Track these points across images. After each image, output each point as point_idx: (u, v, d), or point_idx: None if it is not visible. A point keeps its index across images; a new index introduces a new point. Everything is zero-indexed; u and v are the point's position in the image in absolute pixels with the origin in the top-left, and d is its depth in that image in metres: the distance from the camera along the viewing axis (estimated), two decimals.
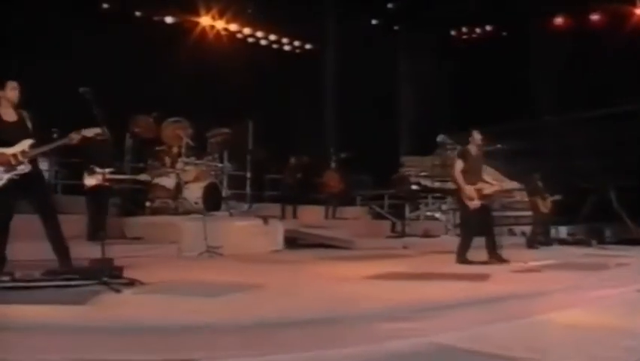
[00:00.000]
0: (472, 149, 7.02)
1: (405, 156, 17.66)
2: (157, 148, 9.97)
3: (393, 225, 12.40)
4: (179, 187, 9.57)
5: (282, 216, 12.53)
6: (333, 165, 13.96)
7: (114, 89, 10.36)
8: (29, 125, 4.79)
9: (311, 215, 13.24)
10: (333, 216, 13.54)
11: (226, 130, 10.35)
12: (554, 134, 15.54)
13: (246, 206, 10.50)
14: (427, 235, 13.00)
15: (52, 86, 8.19)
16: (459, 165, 6.87)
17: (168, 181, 9.66)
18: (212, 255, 8.10)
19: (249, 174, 12.64)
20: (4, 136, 4.63)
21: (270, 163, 12.75)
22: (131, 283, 4.62)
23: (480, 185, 7.00)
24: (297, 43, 16.08)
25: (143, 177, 9.45)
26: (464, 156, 6.94)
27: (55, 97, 7.71)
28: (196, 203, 9.43)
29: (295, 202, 12.90)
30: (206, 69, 12.34)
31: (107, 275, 4.46)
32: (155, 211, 9.54)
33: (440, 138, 17.84)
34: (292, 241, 10.73)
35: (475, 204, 6.89)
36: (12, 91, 4.79)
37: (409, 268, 6.60)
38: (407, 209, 12.47)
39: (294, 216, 12.83)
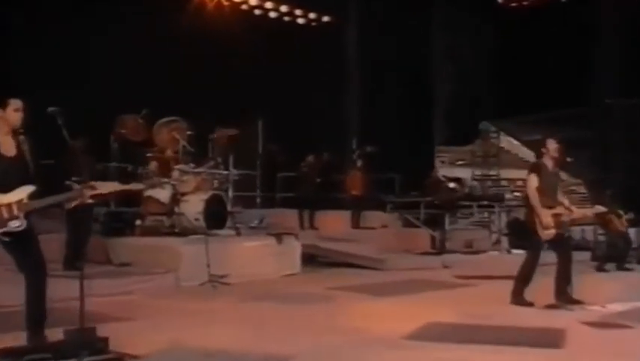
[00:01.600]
0: (548, 162, 6.56)
1: (440, 146, 17.42)
2: (148, 153, 9.61)
3: (433, 239, 12.01)
4: (175, 200, 9.21)
5: (300, 226, 12.34)
6: (357, 162, 13.64)
7: (93, 82, 10.23)
8: (28, 159, 4.25)
9: (332, 223, 13.06)
10: (358, 225, 13.30)
11: (231, 130, 9.97)
12: (621, 122, 14.95)
13: (256, 220, 10.13)
14: (469, 247, 12.73)
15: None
16: (533, 181, 6.42)
17: (162, 193, 9.30)
18: (216, 286, 7.81)
19: (258, 173, 12.31)
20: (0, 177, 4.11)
21: (283, 159, 12.42)
22: (119, 359, 4.21)
23: (558, 209, 6.56)
24: (312, 15, 15.55)
25: (134, 186, 9.06)
26: (539, 170, 6.50)
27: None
28: (196, 220, 9.09)
29: (314, 208, 12.64)
30: (204, 55, 11.96)
31: (88, 352, 4.04)
32: (146, 231, 9.22)
33: (483, 125, 17.53)
34: (310, 259, 10.54)
35: (549, 234, 6.47)
36: (15, 113, 4.20)
37: (458, 313, 6.21)
38: (447, 220, 11.94)
39: (312, 225, 12.61)
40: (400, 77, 15.47)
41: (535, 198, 6.41)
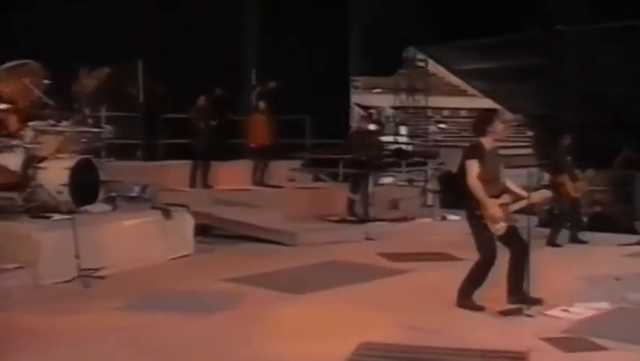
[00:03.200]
0: (487, 141, 6.32)
1: (358, 77, 17.17)
2: None
3: (351, 204, 11.74)
4: (29, 168, 8.40)
5: (191, 182, 12.14)
6: (259, 104, 13.27)
7: None
8: None
9: (230, 178, 12.92)
10: (261, 181, 13.09)
11: (103, 70, 9.16)
12: (574, 50, 15.12)
13: (137, 188, 9.46)
14: (395, 208, 12.85)
15: None
16: (474, 168, 6.19)
17: (11, 159, 8.37)
18: (87, 283, 7.29)
19: (139, 120, 11.69)
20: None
21: (168, 102, 12.06)
22: None
23: (505, 198, 6.33)
24: None
25: None
26: (479, 153, 6.26)
27: None
28: (59, 193, 8.34)
29: (207, 160, 12.32)
30: None
31: None
32: None
33: (408, 51, 17.38)
34: (206, 231, 10.32)
35: (500, 228, 6.26)
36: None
37: (397, 325, 5.91)
38: (371, 181, 11.74)
39: (205, 182, 12.34)
40: None
41: (478, 189, 6.17)
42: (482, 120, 6.42)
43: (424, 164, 12.54)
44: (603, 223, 11.70)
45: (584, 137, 14.25)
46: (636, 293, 6.86)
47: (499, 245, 6.35)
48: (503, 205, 6.30)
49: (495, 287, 6.45)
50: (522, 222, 6.35)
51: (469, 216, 6.33)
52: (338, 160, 11.60)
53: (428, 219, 12.05)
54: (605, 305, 6.54)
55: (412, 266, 8.52)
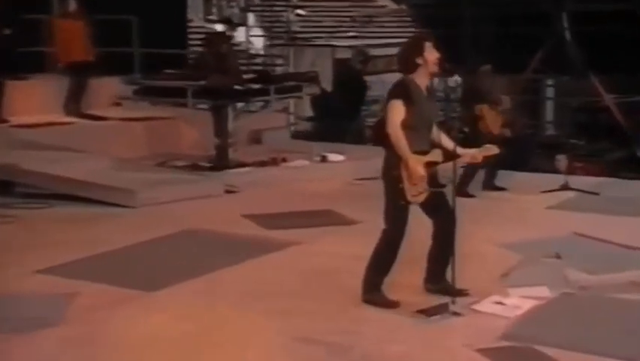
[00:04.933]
0: (422, 80, 6.21)
1: None
2: None
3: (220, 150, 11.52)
4: None
5: None
6: (69, 4, 12.57)
7: None
8: None
9: (32, 104, 12.51)
10: (77, 110, 12.58)
11: None
12: None
13: None
14: (258, 142, 12.91)
15: None
16: (398, 112, 6.07)
17: None
18: None
19: None
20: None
21: None
22: None
23: (434, 155, 6.19)
24: None
25: None
26: (407, 93, 6.13)
27: None
28: None
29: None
30: None
31: None
32: None
33: None
34: (7, 188, 9.98)
35: (418, 195, 6.12)
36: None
37: (291, 336, 5.67)
38: (231, 113, 11.39)
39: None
40: None
41: (399, 140, 6.00)
42: (409, 51, 6.26)
43: (299, 89, 12.27)
44: (516, 156, 11.83)
45: (487, 34, 14.48)
46: (576, 272, 6.98)
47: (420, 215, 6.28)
48: (430, 165, 6.14)
49: (411, 270, 6.46)
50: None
51: (384, 174, 6.23)
52: (184, 88, 10.97)
53: (304, 162, 11.92)
54: (544, 291, 6.57)
55: (293, 235, 8.28)
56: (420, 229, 6.36)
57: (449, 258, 6.33)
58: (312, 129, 15.00)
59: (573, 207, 9.69)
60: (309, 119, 13.63)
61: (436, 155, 6.20)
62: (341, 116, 15.15)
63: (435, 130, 6.31)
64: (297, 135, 14.50)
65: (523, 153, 12.98)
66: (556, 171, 11.74)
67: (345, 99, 15.74)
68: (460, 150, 6.28)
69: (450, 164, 6.26)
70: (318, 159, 11.87)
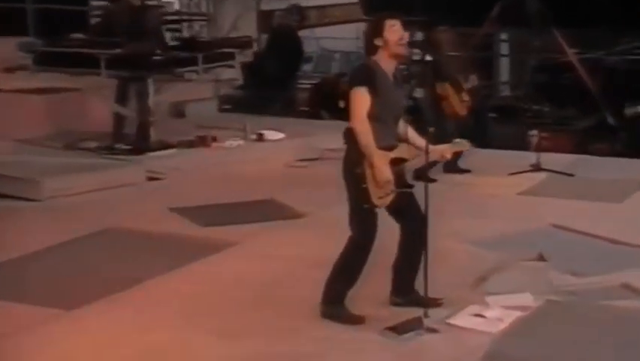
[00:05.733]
0: (387, 64, 6.19)
1: None
2: None
3: (119, 122, 11.56)
4: None
5: None
6: None
7: None
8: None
9: None
10: None
11: None
12: None
13: None
14: (181, 116, 13.02)
15: None
16: (362, 100, 6.02)
17: None
18: None
19: None
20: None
21: None
22: None
23: (402, 150, 6.17)
24: None
25: None
26: (372, 79, 6.09)
27: None
28: None
29: None
30: None
31: None
32: None
33: None
34: None
35: (384, 198, 6.08)
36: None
37: (229, 353, 5.59)
38: (151, 86, 11.19)
39: None
40: None
41: (365, 135, 5.96)
42: (368, 31, 6.30)
43: (231, 57, 12.17)
44: (476, 129, 11.83)
45: None
46: (561, 274, 6.99)
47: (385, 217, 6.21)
48: (397, 162, 6.11)
49: (376, 279, 6.37)
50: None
51: (345, 172, 6.17)
52: (96, 57, 10.71)
53: (238, 141, 11.85)
54: (527, 299, 6.54)
55: (231, 233, 8.16)
56: (385, 232, 6.27)
57: (418, 266, 6.33)
58: (242, 99, 14.79)
59: (547, 192, 9.75)
60: (238, 87, 13.42)
61: (403, 150, 6.19)
62: (274, 83, 15.06)
63: (401, 123, 6.31)
64: (225, 107, 14.43)
65: (482, 123, 12.99)
66: (522, 147, 11.79)
67: (279, 63, 15.65)
68: (435, 147, 6.27)
69: (419, 160, 6.29)
70: (254, 137, 11.87)
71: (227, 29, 15.54)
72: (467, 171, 10.47)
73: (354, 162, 6.05)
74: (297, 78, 16.84)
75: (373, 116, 6.02)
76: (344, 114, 14.62)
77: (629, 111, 13.88)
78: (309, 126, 11.95)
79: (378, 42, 6.08)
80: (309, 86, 16.88)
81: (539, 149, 11.02)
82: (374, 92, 6.03)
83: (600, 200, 9.21)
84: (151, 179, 10.24)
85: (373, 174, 5.99)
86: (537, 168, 10.47)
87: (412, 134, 6.34)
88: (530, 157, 10.79)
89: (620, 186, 9.87)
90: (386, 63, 6.15)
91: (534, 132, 11.77)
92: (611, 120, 14.45)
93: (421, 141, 6.29)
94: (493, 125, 13.88)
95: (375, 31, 6.11)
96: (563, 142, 13.27)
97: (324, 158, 10.74)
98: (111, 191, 9.61)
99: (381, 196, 6.07)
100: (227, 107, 14.17)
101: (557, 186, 9.98)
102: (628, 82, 14.99)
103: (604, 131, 14.10)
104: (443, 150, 6.45)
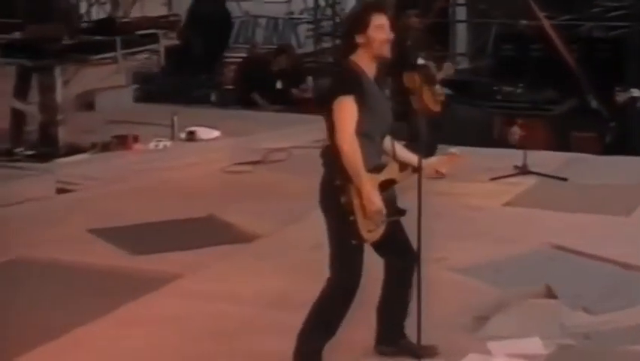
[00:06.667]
0: (369, 67, 6.05)
1: None
2: None
3: (18, 121, 11.50)
4: None
5: None
6: None
7: None
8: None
9: None
10: None
11: None
12: None
13: None
14: (90, 109, 13.12)
15: None
16: (348, 113, 5.88)
17: None
18: None
19: None
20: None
21: None
22: None
23: (391, 171, 6.06)
24: None
25: None
26: (357, 87, 5.96)
27: None
28: None
29: None
30: None
31: None
32: None
33: None
34: None
35: (374, 231, 5.95)
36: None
37: None
38: (59, 80, 10.97)
39: None
40: None
41: (356, 160, 5.83)
42: (348, 24, 6.33)
43: (155, 40, 12.11)
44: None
45: None
46: (572, 312, 6.97)
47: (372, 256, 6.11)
48: (386, 185, 6.00)
49: (355, 323, 6.20)
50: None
51: (324, 201, 6.04)
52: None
53: (164, 142, 11.72)
54: (536, 345, 6.51)
55: (169, 263, 8.03)
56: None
57: (407, 308, 6.31)
58: (162, 86, 14.75)
59: (538, 202, 9.77)
60: (157, 72, 13.24)
61: (392, 171, 6.10)
62: (199, 64, 14.84)
63: (387, 138, 6.27)
64: (141, 96, 14.29)
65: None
66: (501, 142, 11.71)
67: (205, 38, 15.70)
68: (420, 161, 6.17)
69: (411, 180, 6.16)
70: (184, 136, 11.74)
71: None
72: (441, 175, 10.36)
73: (337, 188, 5.91)
74: (223, 60, 16.76)
75: (359, 132, 5.91)
76: (283, 97, 14.52)
77: (621, 97, 13.59)
78: (246, 120, 11.82)
79: (359, 39, 5.98)
80: (233, 60, 16.85)
81: (523, 145, 10.96)
82: (361, 102, 5.91)
83: (603, 212, 9.22)
84: (62, 191, 10.02)
85: (361, 204, 5.87)
86: (524, 170, 10.47)
87: (399, 149, 6.27)
88: (511, 155, 10.79)
89: (623, 194, 9.93)
90: (367, 65, 6.07)
91: (517, 129, 11.71)
92: (594, 105, 14.21)
93: (411, 157, 6.24)
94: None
95: (358, 26, 6.00)
96: (538, 133, 13.11)
97: (268, 161, 10.73)
98: (12, 209, 9.39)
99: (371, 229, 5.96)
100: (144, 96, 14.00)
101: (549, 194, 10.00)
102: (614, 56, 14.89)
103: (589, 120, 13.89)
104: (437, 165, 6.45)
